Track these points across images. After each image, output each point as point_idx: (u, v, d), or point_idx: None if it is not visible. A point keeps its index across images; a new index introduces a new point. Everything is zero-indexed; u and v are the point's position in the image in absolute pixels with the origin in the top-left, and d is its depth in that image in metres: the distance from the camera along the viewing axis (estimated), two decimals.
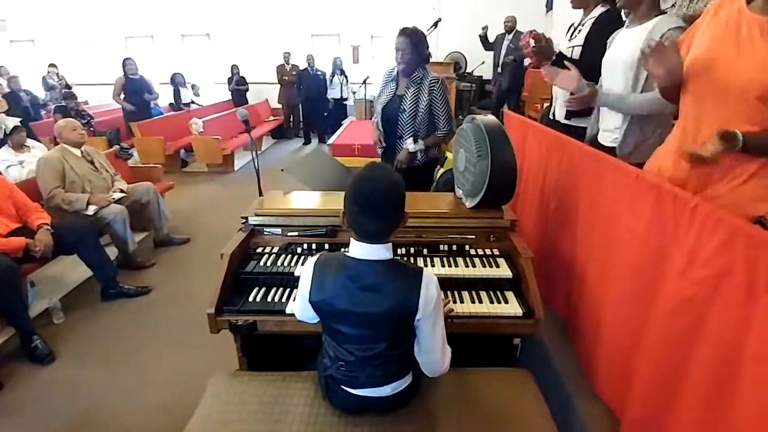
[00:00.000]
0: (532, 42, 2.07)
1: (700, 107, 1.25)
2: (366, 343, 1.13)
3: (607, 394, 1.45)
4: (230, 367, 1.69)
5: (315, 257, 1.17)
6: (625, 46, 1.79)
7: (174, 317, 2.69)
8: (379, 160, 2.70)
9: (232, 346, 1.63)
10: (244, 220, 1.82)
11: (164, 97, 7.41)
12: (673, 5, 1.99)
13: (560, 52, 2.15)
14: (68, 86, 7.32)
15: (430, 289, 1.08)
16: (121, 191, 3.33)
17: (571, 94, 1.87)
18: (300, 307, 1.22)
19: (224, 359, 1.75)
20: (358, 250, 1.11)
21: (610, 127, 1.89)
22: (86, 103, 7.93)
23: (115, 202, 3.18)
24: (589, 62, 1.99)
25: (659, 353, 1.14)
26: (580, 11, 2.31)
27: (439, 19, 4.79)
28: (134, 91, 5.98)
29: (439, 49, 7.98)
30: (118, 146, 4.14)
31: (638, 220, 1.22)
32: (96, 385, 2.16)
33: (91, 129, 5.93)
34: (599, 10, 2.17)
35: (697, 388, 1.02)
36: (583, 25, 2.23)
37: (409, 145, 2.44)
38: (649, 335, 1.18)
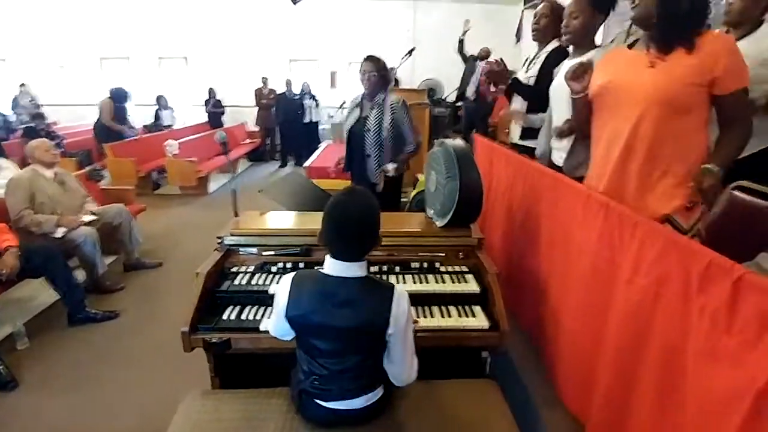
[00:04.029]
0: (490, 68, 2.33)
1: (602, 125, 1.57)
2: (339, 357, 1.17)
3: (571, 400, 1.52)
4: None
5: (291, 274, 1.22)
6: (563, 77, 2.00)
7: (144, 342, 2.63)
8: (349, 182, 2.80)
9: (204, 370, 1.63)
10: (219, 240, 1.85)
11: (137, 118, 7.36)
12: (612, 41, 2.24)
13: (515, 78, 2.40)
14: (37, 106, 7.19)
15: (401, 305, 1.14)
16: (92, 213, 3.27)
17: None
18: (275, 323, 1.25)
19: (196, 383, 1.72)
20: (334, 267, 1.16)
21: (562, 147, 2.06)
22: (56, 123, 7.77)
23: (85, 225, 3.12)
24: (542, 91, 2.23)
25: (615, 358, 1.23)
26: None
27: (414, 48, 4.99)
28: (118, 117, 6.25)
29: (414, 76, 8.25)
30: (89, 167, 4.08)
31: (590, 236, 1.33)
32: (61, 413, 2.08)
33: (61, 150, 5.82)
34: (553, 44, 2.40)
35: (649, 387, 1.11)
36: (537, 58, 2.46)
37: (390, 167, 2.60)
38: (606, 342, 1.27)
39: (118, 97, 6.12)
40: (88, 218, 3.19)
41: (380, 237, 1.21)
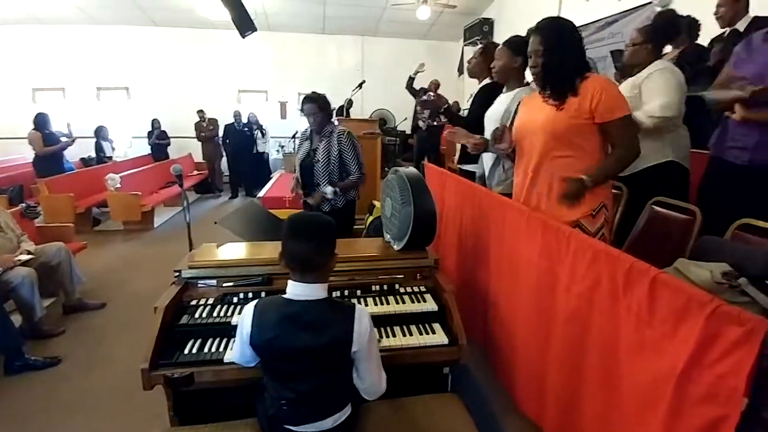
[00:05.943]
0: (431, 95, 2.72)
1: (521, 153, 1.87)
2: (306, 378, 1.20)
3: (527, 406, 1.63)
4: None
5: (254, 302, 1.25)
6: (496, 107, 2.35)
7: (89, 387, 2.46)
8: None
9: (157, 413, 1.57)
10: (177, 274, 1.82)
11: (74, 151, 6.99)
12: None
13: (448, 106, 2.88)
14: None
15: (362, 322, 1.20)
16: (29, 252, 3.07)
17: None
18: (240, 350, 1.26)
19: (149, 426, 1.65)
20: (296, 290, 1.21)
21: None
22: None
23: (21, 264, 2.92)
24: (471, 119, 2.60)
25: (561, 360, 1.35)
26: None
27: (363, 81, 5.22)
28: (50, 143, 5.87)
29: (364, 107, 8.50)
30: (23, 204, 3.82)
31: (532, 250, 1.47)
32: None
33: None
34: (486, 81, 2.74)
35: (593, 382, 1.24)
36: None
37: (328, 191, 2.72)
38: (552, 346, 1.39)
39: (42, 124, 5.79)
40: (24, 257, 2.99)
41: (336, 255, 1.27)
